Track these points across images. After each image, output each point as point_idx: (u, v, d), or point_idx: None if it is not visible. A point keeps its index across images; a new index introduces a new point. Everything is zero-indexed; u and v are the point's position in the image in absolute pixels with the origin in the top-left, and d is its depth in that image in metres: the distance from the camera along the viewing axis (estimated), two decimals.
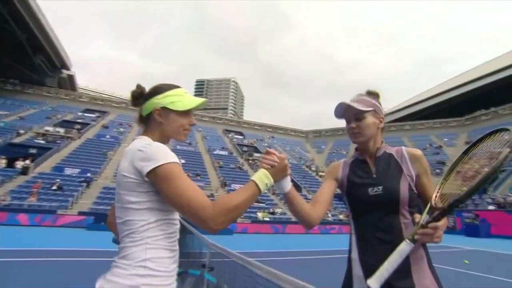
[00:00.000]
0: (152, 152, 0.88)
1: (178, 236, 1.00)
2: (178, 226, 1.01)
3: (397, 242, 0.94)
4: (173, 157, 0.90)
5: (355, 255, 1.12)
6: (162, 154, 0.88)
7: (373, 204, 1.09)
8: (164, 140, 1.03)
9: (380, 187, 1.10)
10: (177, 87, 1.07)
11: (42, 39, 30.97)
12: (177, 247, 0.98)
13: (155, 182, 0.87)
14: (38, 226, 11.57)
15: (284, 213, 18.19)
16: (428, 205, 0.95)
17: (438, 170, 26.73)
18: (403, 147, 1.19)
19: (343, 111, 1.17)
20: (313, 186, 25.13)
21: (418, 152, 1.16)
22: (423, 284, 1.00)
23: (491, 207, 15.98)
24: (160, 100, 1.01)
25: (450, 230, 16.64)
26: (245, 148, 32.74)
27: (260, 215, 16.72)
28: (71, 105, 35.21)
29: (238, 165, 26.62)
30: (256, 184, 0.91)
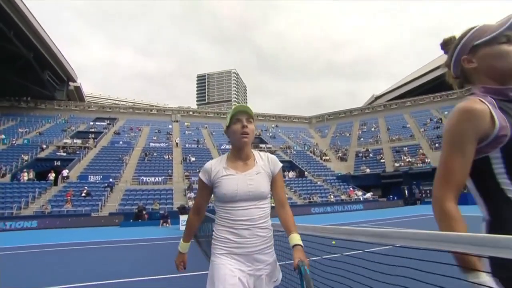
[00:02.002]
0: None
1: (238, 218, 1.32)
2: (238, 211, 1.33)
3: None
4: (201, 171, 1.44)
5: None
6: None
7: None
8: (234, 147, 1.43)
9: None
10: (233, 108, 1.43)
11: (47, 55, 32.51)
12: (236, 224, 1.32)
13: None
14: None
15: (290, 198, 19.68)
16: None
17: (437, 145, 27.56)
18: None
19: None
20: (317, 171, 26.50)
21: None
22: None
23: None
24: (225, 124, 1.46)
25: None
26: None
27: None
28: (81, 115, 37.08)
29: None
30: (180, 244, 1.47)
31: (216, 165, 1.41)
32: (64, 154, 23.06)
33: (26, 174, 18.78)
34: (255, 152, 1.47)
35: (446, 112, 36.26)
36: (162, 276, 4.58)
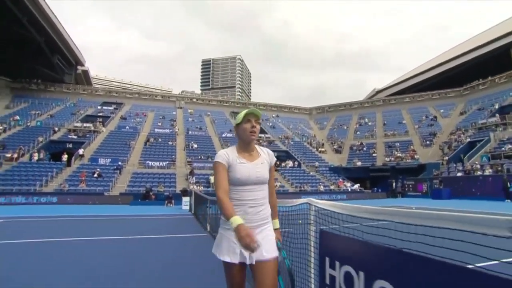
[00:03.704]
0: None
1: (245, 198, 1.56)
2: (246, 193, 1.57)
3: None
4: (218, 157, 1.60)
5: None
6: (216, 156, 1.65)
7: None
8: (243, 142, 1.66)
9: None
10: (246, 110, 1.66)
11: (57, 40, 33.71)
12: (243, 203, 1.56)
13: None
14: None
15: (283, 186, 21.38)
16: None
17: (428, 142, 28.85)
18: None
19: None
20: (312, 161, 28.08)
21: None
22: None
23: (459, 174, 18.59)
24: (236, 121, 1.72)
25: (423, 194, 19.56)
26: None
27: None
28: (89, 99, 38.45)
29: None
30: (232, 221, 1.36)
31: (230, 153, 1.62)
32: (75, 137, 24.74)
33: (36, 154, 20.35)
34: (256, 146, 1.74)
35: (442, 110, 37.14)
36: (171, 236, 6.25)
